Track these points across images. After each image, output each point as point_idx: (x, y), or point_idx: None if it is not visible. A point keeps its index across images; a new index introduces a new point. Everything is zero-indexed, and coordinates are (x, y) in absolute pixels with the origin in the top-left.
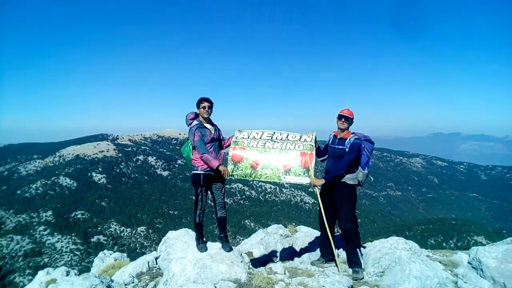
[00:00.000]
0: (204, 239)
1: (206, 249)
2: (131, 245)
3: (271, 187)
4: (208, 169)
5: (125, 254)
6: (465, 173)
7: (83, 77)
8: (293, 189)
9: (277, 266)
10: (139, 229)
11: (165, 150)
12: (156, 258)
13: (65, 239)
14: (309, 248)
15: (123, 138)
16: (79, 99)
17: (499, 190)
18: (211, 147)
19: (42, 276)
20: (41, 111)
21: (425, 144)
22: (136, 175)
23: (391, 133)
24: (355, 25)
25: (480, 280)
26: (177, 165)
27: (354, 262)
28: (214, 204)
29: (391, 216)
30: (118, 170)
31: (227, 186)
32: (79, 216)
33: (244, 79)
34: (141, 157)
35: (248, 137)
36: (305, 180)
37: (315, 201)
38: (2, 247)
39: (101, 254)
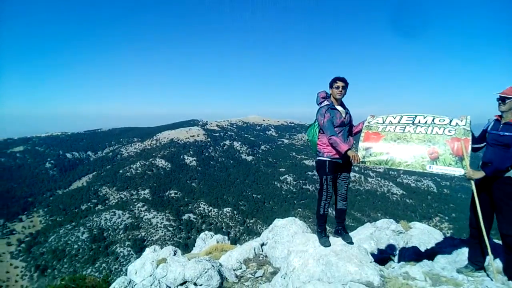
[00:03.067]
0: (328, 233)
1: (329, 244)
2: (218, 224)
3: (355, 176)
4: (335, 155)
5: (226, 237)
6: None
7: (176, 67)
8: (379, 179)
9: (414, 270)
10: (225, 210)
11: (249, 136)
12: (262, 245)
13: (160, 215)
14: (438, 250)
15: (211, 124)
16: (172, 86)
17: None
18: (340, 132)
19: (149, 253)
20: (142, 99)
21: None
22: (223, 159)
23: None
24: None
25: None
26: (260, 151)
27: None
28: (335, 194)
29: None
30: (207, 154)
31: (309, 173)
32: (172, 195)
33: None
34: (227, 142)
35: (384, 122)
36: (458, 171)
37: (404, 192)
38: (106, 220)
39: (202, 235)
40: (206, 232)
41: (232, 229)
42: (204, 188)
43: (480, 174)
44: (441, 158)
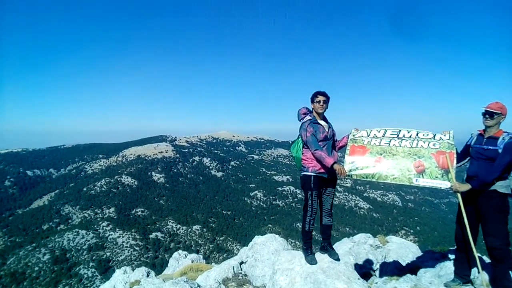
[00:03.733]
0: (313, 250)
1: (316, 262)
2: (187, 243)
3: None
4: (320, 170)
5: (201, 256)
6: None
7: (145, 80)
8: (347, 193)
9: (403, 286)
10: (194, 227)
11: (219, 152)
12: (241, 264)
13: (126, 234)
14: (419, 264)
15: (180, 139)
16: (140, 101)
17: None
18: (324, 146)
19: (120, 274)
20: (107, 114)
21: None
22: (192, 175)
23: None
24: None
25: None
26: (230, 167)
27: (506, 286)
28: (320, 209)
29: (453, 225)
30: (175, 170)
31: (279, 188)
32: (139, 213)
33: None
34: (196, 158)
35: (368, 135)
36: (444, 184)
37: (371, 207)
38: (69, 240)
39: (175, 254)
40: (180, 251)
41: (202, 247)
42: (172, 205)
43: (467, 187)
44: (427, 171)
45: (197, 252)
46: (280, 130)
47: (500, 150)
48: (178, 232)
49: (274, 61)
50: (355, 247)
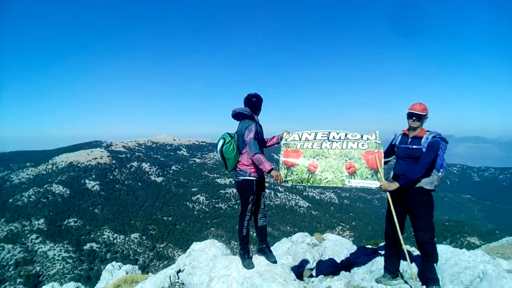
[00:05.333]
0: (251, 254)
1: (253, 266)
2: (124, 252)
3: (266, 191)
4: (259, 174)
5: (136, 267)
6: (458, 175)
7: (76, 83)
8: (288, 193)
9: (336, 284)
10: (132, 236)
11: (159, 156)
12: (178, 272)
13: (57, 247)
14: (353, 260)
15: (116, 144)
16: (73, 106)
17: (492, 191)
18: (261, 151)
19: None
20: (35, 119)
21: None
22: (130, 181)
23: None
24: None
25: None
26: (171, 171)
27: (431, 279)
28: (255, 212)
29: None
30: (111, 177)
31: (222, 191)
32: (72, 223)
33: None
34: (135, 164)
35: (300, 139)
36: (374, 184)
37: (310, 205)
38: None
39: (109, 266)
40: (113, 263)
41: (141, 256)
42: (108, 214)
43: (395, 185)
44: (358, 172)
45: (136, 261)
46: (223, 133)
47: (424, 149)
48: (115, 241)
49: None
50: (293, 246)
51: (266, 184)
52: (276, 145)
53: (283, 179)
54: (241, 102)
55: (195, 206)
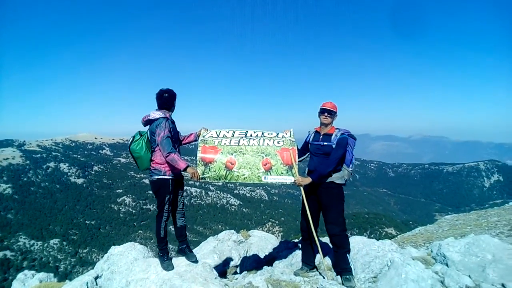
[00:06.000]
0: (170, 255)
1: (173, 267)
2: (43, 259)
3: (196, 191)
4: (175, 172)
5: (51, 274)
6: (375, 171)
7: None
8: (219, 191)
9: (257, 279)
10: (51, 241)
11: (79, 156)
12: (96, 278)
13: None
14: (276, 254)
15: (30, 144)
16: None
17: (405, 185)
18: (177, 147)
19: None
20: None
21: None
22: (47, 183)
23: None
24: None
25: (462, 277)
26: (93, 172)
27: (344, 269)
28: (173, 212)
29: None
30: (25, 179)
31: (150, 192)
32: None
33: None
34: (52, 164)
35: (218, 136)
36: (289, 179)
37: (241, 203)
38: None
39: (20, 275)
40: (26, 271)
41: (62, 263)
42: (23, 219)
43: (308, 180)
44: (274, 168)
45: (57, 268)
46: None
47: (334, 146)
48: (32, 248)
49: (137, 59)
50: (220, 244)
51: (197, 184)
52: (194, 143)
53: (200, 176)
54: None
55: (120, 208)
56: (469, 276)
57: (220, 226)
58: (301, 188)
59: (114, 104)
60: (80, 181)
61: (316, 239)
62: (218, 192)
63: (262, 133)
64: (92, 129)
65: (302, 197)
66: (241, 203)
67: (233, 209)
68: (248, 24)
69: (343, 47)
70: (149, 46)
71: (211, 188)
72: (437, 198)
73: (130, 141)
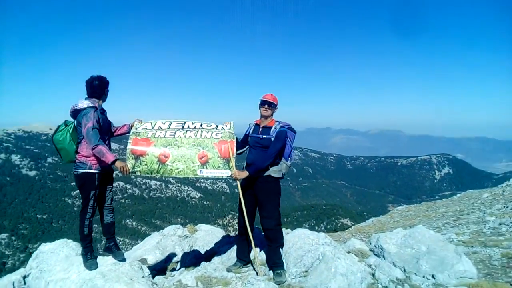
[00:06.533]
0: (94, 254)
1: (96, 266)
2: None
3: (156, 184)
4: (102, 166)
5: None
6: (334, 163)
7: None
8: (179, 185)
9: (187, 277)
10: None
11: (32, 147)
12: (25, 277)
13: None
14: (216, 250)
15: None
16: None
17: (361, 178)
18: (107, 139)
19: None
20: None
21: (301, 138)
22: None
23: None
24: None
25: (393, 269)
26: (46, 164)
27: (276, 264)
28: (100, 208)
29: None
30: None
31: None
32: None
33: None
34: (2, 156)
35: (153, 127)
36: (226, 173)
37: (202, 195)
38: None
39: None
40: None
41: (10, 258)
42: None
43: (244, 174)
44: (210, 162)
45: (4, 264)
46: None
47: (273, 139)
48: None
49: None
50: (163, 240)
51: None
52: (127, 134)
53: (129, 170)
54: (140, 94)
55: (75, 202)
56: (404, 268)
57: (179, 220)
58: (238, 182)
59: (70, 94)
60: (32, 173)
61: (250, 234)
62: (179, 185)
63: (201, 125)
64: (46, 120)
65: (238, 191)
66: (202, 195)
67: (193, 202)
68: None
69: (302, 38)
70: (104, 31)
71: (172, 181)
72: (391, 190)
73: (54, 130)
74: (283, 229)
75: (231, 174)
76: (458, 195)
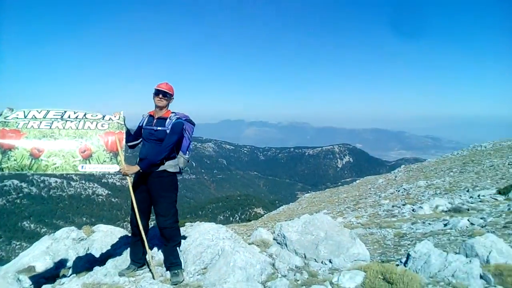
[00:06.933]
0: None
1: None
2: None
3: (56, 181)
4: None
5: None
6: (248, 155)
7: None
8: (83, 181)
9: (73, 285)
10: None
11: None
12: None
13: None
14: (112, 252)
15: None
16: None
17: (273, 168)
18: None
19: None
20: None
21: (216, 130)
22: None
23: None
24: None
25: (293, 257)
26: None
27: (173, 263)
28: None
29: (186, 199)
30: None
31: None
32: None
33: None
34: None
35: (25, 117)
36: (113, 168)
37: (110, 192)
38: None
39: None
40: None
41: None
42: None
43: (135, 168)
44: (94, 156)
45: None
46: None
47: (168, 131)
48: None
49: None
50: (54, 244)
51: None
52: None
53: None
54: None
55: None
56: (304, 255)
57: (84, 219)
58: (128, 178)
59: None
60: None
61: (143, 234)
62: (83, 181)
63: (84, 115)
64: None
65: (129, 187)
66: (109, 192)
67: (100, 200)
68: None
69: (215, 30)
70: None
71: (74, 177)
72: (300, 178)
73: None
74: (190, 224)
75: (120, 169)
76: (358, 181)
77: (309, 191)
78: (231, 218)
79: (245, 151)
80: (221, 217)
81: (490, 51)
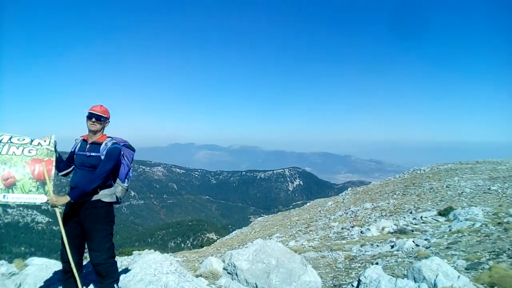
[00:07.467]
0: None
1: None
2: None
3: None
4: None
5: None
6: (199, 179)
7: None
8: (21, 208)
9: None
10: None
11: None
12: None
13: None
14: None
15: None
16: None
17: (225, 191)
18: None
19: None
20: None
21: (165, 154)
22: None
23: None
24: None
25: None
26: None
27: None
28: None
29: (134, 225)
30: None
31: None
32: None
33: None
34: None
35: None
36: (40, 199)
37: (50, 220)
38: None
39: None
40: None
41: None
42: None
43: (65, 199)
44: (18, 184)
45: None
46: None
47: (103, 157)
48: None
49: None
50: None
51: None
52: None
53: None
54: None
55: None
56: (256, 285)
57: (23, 249)
58: (57, 210)
59: None
60: None
61: (75, 271)
62: (21, 209)
63: (10, 139)
64: None
65: (59, 220)
66: (50, 220)
67: (40, 228)
68: None
69: (155, 51)
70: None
71: (11, 204)
72: (252, 202)
73: None
74: (138, 253)
75: (48, 199)
76: (308, 204)
77: (262, 215)
78: (182, 245)
79: (196, 175)
80: (172, 243)
81: (415, 85)
